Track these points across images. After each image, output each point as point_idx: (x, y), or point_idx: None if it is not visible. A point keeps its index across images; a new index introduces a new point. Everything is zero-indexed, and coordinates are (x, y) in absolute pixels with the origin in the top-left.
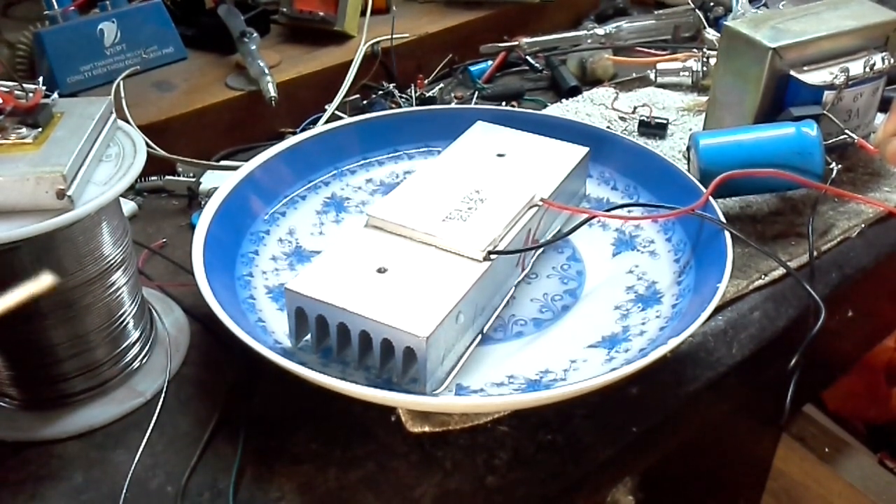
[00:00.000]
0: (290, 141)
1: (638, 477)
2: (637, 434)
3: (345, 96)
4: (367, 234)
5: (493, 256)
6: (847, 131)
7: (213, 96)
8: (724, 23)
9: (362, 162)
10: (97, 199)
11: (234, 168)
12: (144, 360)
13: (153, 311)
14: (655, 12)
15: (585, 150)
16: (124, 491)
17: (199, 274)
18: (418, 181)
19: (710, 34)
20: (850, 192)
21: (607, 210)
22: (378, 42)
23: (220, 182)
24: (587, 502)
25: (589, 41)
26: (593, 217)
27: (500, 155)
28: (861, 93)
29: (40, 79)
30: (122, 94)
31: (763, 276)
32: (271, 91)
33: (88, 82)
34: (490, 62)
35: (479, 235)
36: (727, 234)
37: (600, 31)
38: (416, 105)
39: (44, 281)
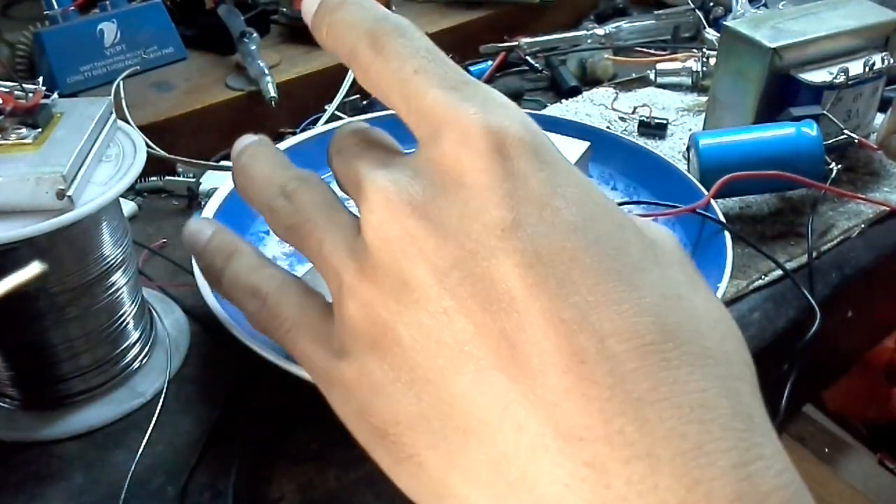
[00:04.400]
0: (290, 141)
1: None
2: None
3: (345, 96)
4: None
5: None
6: (847, 131)
7: (213, 96)
8: (724, 23)
9: None
10: (97, 199)
11: None
12: (144, 361)
13: (153, 311)
14: (655, 12)
15: (586, 144)
16: (124, 491)
17: (199, 274)
18: None
19: (710, 34)
20: (850, 192)
21: None
22: None
23: (220, 182)
24: None
25: (589, 41)
26: None
27: None
28: (861, 93)
29: (40, 79)
30: (122, 95)
31: (763, 277)
32: (271, 91)
33: (88, 82)
34: (490, 62)
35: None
36: (727, 234)
37: (600, 31)
38: None
39: (32, 269)
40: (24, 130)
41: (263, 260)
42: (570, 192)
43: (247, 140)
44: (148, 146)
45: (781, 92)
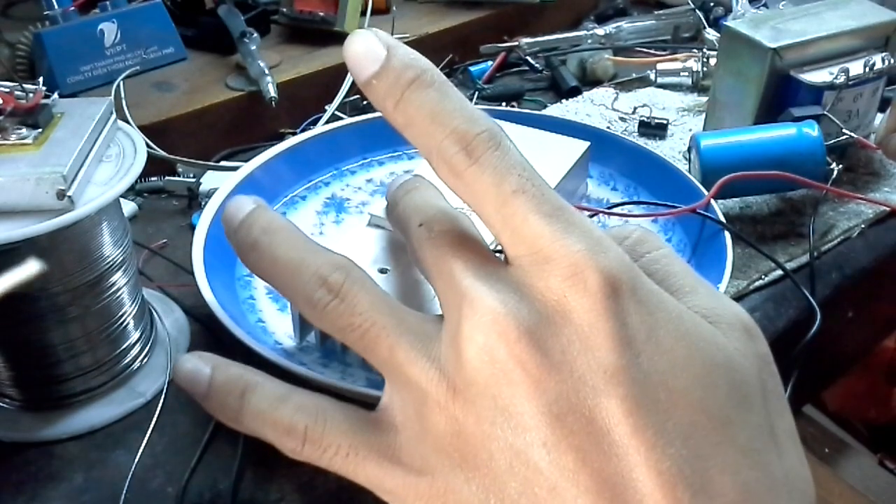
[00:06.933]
0: (290, 141)
1: None
2: None
3: (345, 96)
4: (369, 233)
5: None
6: (847, 131)
7: (213, 96)
8: (724, 23)
9: (362, 162)
10: (97, 199)
11: (234, 168)
12: (144, 361)
13: (153, 311)
14: (655, 12)
15: (586, 144)
16: (124, 491)
17: (199, 274)
18: None
19: (710, 34)
20: (850, 192)
21: (608, 208)
22: None
23: (220, 182)
24: None
25: (589, 41)
26: (595, 214)
27: None
28: (861, 93)
29: (40, 79)
30: (123, 95)
31: (763, 277)
32: (271, 91)
33: (89, 82)
34: (490, 62)
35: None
36: (727, 234)
37: (600, 31)
38: None
39: (30, 268)
40: (24, 130)
41: (283, 387)
42: (664, 337)
43: (245, 206)
44: (148, 146)
45: (782, 92)
